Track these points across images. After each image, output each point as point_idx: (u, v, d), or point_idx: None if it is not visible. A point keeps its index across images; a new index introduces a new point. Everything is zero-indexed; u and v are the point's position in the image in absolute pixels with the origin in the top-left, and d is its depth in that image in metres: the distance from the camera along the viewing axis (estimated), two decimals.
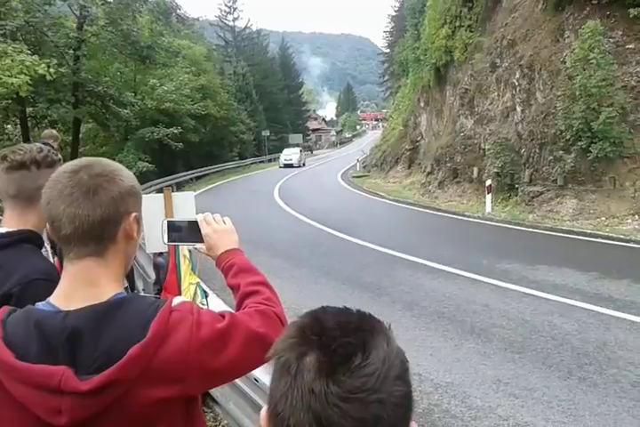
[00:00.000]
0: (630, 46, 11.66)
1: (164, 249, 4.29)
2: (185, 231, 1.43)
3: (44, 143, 4.06)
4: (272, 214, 15.20)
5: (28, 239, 1.47)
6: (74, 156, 18.02)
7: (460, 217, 14.04)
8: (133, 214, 1.09)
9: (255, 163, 40.70)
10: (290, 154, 39.94)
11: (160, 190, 4.31)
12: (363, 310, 0.69)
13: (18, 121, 18.66)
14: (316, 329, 0.65)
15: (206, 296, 4.24)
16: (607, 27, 11.70)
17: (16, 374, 0.94)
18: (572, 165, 11.83)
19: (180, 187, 22.80)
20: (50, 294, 1.05)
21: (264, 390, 3.05)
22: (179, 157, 27.67)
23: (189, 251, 4.10)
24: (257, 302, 1.23)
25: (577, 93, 11.46)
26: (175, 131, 24.07)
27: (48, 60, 13.00)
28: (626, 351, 4.86)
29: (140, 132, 23.76)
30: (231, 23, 54.40)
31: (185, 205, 3.91)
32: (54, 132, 7.08)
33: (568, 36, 12.78)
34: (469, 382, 4.45)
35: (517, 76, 14.35)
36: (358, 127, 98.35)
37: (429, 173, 19.23)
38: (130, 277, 5.51)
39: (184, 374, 1.01)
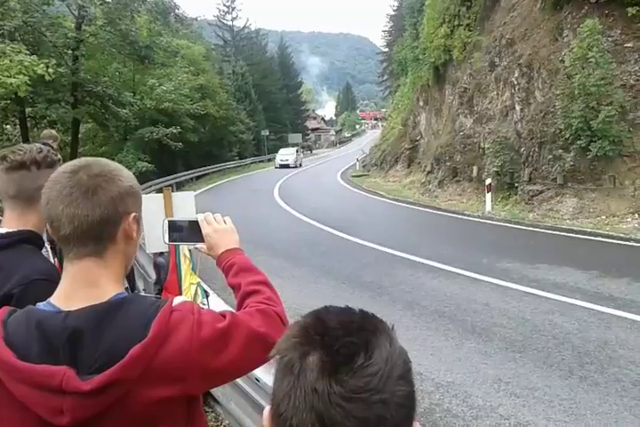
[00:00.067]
0: (629, 45, 11.66)
1: (165, 249, 4.29)
2: (185, 231, 1.43)
3: (44, 143, 4.05)
4: (272, 214, 15.20)
5: (29, 240, 1.47)
6: (73, 156, 18.01)
7: (459, 216, 14.05)
8: (133, 214, 1.09)
9: (255, 162, 40.59)
10: (286, 154, 39.01)
11: (160, 190, 4.31)
12: (365, 309, 0.69)
13: (17, 121, 18.66)
14: (318, 329, 0.65)
15: (207, 296, 4.24)
16: (606, 25, 11.70)
17: (17, 374, 0.94)
18: (572, 163, 11.84)
19: (179, 187, 22.80)
20: (50, 294, 1.05)
21: (265, 389, 3.05)
22: (178, 157, 27.67)
23: (190, 251, 4.10)
24: (258, 302, 1.22)
25: (576, 92, 11.47)
26: (174, 131, 24.07)
27: (47, 61, 12.99)
28: (627, 350, 4.86)
29: (139, 132, 23.76)
30: (230, 23, 54.39)
31: (185, 204, 3.91)
32: (54, 132, 7.07)
33: (567, 35, 12.78)
34: (470, 382, 4.45)
35: (516, 74, 14.35)
36: (357, 127, 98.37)
37: (429, 172, 19.23)
38: (130, 277, 5.50)
39: (185, 373, 1.00)
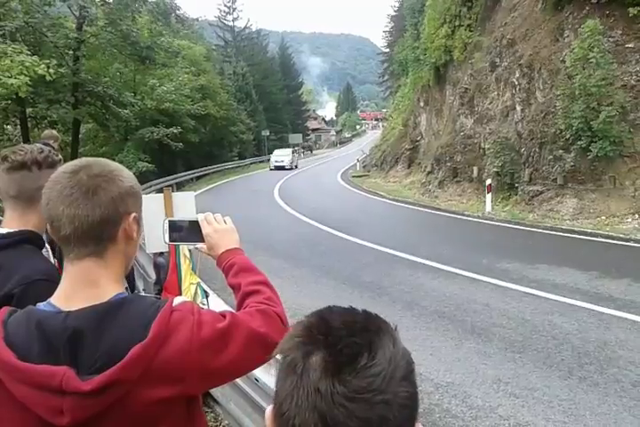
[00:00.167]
0: (630, 45, 11.66)
1: (165, 249, 4.29)
2: (186, 231, 1.43)
3: (45, 144, 4.06)
4: (272, 214, 15.20)
5: (29, 240, 1.47)
6: (74, 156, 18.01)
7: (459, 216, 14.05)
8: (133, 215, 1.09)
9: (255, 163, 40.48)
10: (281, 155, 37.46)
11: (160, 190, 4.31)
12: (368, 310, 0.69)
13: (18, 121, 18.66)
14: (322, 329, 0.65)
15: (207, 296, 4.24)
16: (607, 26, 11.70)
17: (17, 374, 0.94)
18: (572, 164, 11.84)
19: (180, 187, 22.80)
20: (51, 294, 1.05)
21: (264, 389, 3.05)
22: (179, 157, 27.67)
23: (190, 251, 4.10)
24: (258, 302, 1.23)
25: (577, 93, 11.47)
26: (175, 131, 24.08)
27: (48, 61, 12.98)
28: (626, 351, 4.86)
29: (139, 133, 23.77)
30: (231, 23, 54.41)
31: (185, 204, 3.91)
32: (54, 132, 7.08)
33: (567, 36, 12.78)
34: (470, 382, 4.46)
35: (517, 75, 14.35)
36: (358, 127, 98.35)
37: (429, 173, 19.23)
38: (130, 277, 5.50)
39: (185, 374, 1.01)
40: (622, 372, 4.46)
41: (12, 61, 11.87)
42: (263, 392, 3.09)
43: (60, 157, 1.61)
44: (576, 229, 10.84)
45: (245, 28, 55.66)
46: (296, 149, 51.18)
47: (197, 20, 40.48)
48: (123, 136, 24.32)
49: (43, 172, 1.49)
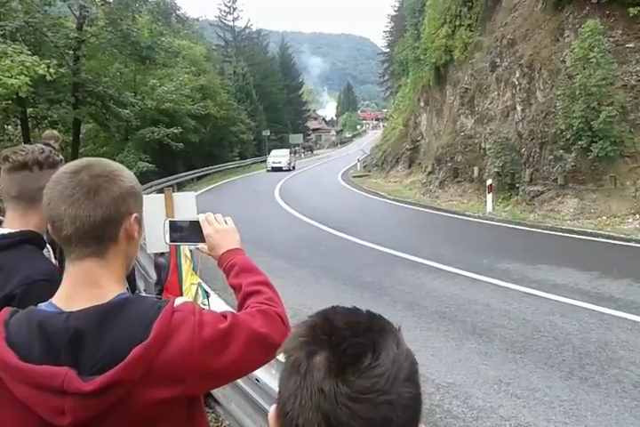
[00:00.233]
0: (630, 45, 11.66)
1: (166, 249, 4.29)
2: (186, 231, 1.43)
3: (46, 144, 4.06)
4: (273, 214, 15.20)
5: (30, 240, 1.47)
6: (74, 156, 18.02)
7: (460, 217, 14.04)
8: (134, 215, 1.09)
9: (256, 163, 40.43)
10: (278, 156, 36.04)
11: (161, 190, 4.31)
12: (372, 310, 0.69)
13: (18, 122, 18.67)
14: (326, 328, 0.65)
15: (208, 296, 4.23)
16: (607, 26, 11.70)
17: (19, 374, 0.94)
18: (573, 164, 11.83)
19: (180, 187, 22.80)
20: (52, 294, 1.05)
21: (265, 390, 3.05)
22: (179, 157, 27.69)
23: (191, 251, 4.10)
24: (259, 302, 1.22)
25: (577, 93, 11.46)
26: (175, 131, 24.10)
27: (48, 61, 12.99)
28: (627, 351, 4.86)
29: (140, 133, 23.78)
30: (231, 23, 54.46)
31: (186, 205, 3.91)
32: (55, 132, 7.09)
33: (568, 36, 12.78)
34: (471, 383, 4.45)
35: (517, 75, 14.35)
36: (359, 127, 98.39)
37: (430, 173, 19.23)
38: (131, 277, 5.50)
39: (186, 374, 1.00)
40: (623, 372, 4.45)
41: (12, 61, 11.87)
42: (264, 393, 3.09)
43: (61, 157, 1.61)
44: (577, 229, 10.83)
45: (246, 27, 55.74)
46: (297, 149, 51.17)
47: (198, 19, 40.68)
48: (123, 136, 24.33)
49: (44, 172, 1.49)
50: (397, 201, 18.20)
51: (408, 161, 24.86)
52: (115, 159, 1.64)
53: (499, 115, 15.45)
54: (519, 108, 14.21)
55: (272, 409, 0.67)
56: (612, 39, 11.74)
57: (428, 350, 5.06)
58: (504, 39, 15.47)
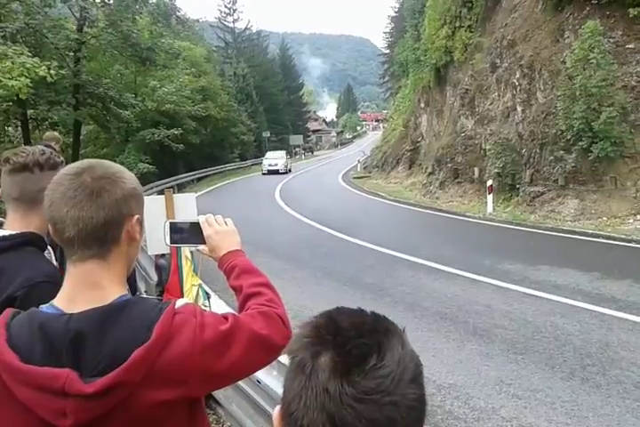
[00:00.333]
0: (630, 46, 11.66)
1: (166, 251, 4.29)
2: (187, 233, 1.43)
3: (46, 145, 4.06)
4: (273, 215, 15.21)
5: (31, 242, 1.46)
6: (75, 157, 18.06)
7: (461, 217, 14.04)
8: (136, 216, 1.09)
9: (256, 164, 40.38)
10: (274, 158, 34.19)
11: (161, 192, 4.31)
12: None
13: (19, 123, 18.69)
14: (331, 329, 0.65)
15: (208, 298, 4.23)
16: (607, 27, 11.70)
17: (20, 376, 0.94)
18: (573, 165, 11.83)
19: (181, 188, 22.81)
20: (53, 296, 1.05)
21: (267, 391, 3.05)
22: (179, 159, 27.71)
23: (191, 252, 4.10)
24: (259, 304, 1.22)
25: (577, 93, 11.46)
26: (176, 132, 24.14)
27: (48, 63, 13.01)
28: (628, 352, 4.85)
29: (140, 134, 23.81)
30: (231, 24, 54.51)
31: (186, 206, 3.91)
32: (56, 134, 7.10)
33: (568, 37, 12.78)
34: (472, 384, 4.45)
35: (518, 76, 14.35)
36: (359, 128, 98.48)
37: (430, 174, 19.22)
38: (132, 278, 5.49)
39: (187, 376, 1.00)
40: (625, 373, 4.45)
41: (12, 63, 11.88)
42: (265, 394, 3.09)
43: (61, 158, 1.61)
44: (577, 229, 10.82)
45: (246, 29, 55.80)
46: (297, 150, 51.17)
47: (198, 21, 40.57)
48: (124, 137, 24.36)
49: (44, 173, 1.49)
50: (398, 202, 18.19)
51: (408, 162, 24.86)
52: (115, 161, 1.64)
53: (499, 116, 15.45)
54: (519, 108, 14.21)
55: (277, 409, 0.67)
56: (612, 40, 11.74)
57: (430, 351, 5.05)
58: (504, 40, 15.47)
